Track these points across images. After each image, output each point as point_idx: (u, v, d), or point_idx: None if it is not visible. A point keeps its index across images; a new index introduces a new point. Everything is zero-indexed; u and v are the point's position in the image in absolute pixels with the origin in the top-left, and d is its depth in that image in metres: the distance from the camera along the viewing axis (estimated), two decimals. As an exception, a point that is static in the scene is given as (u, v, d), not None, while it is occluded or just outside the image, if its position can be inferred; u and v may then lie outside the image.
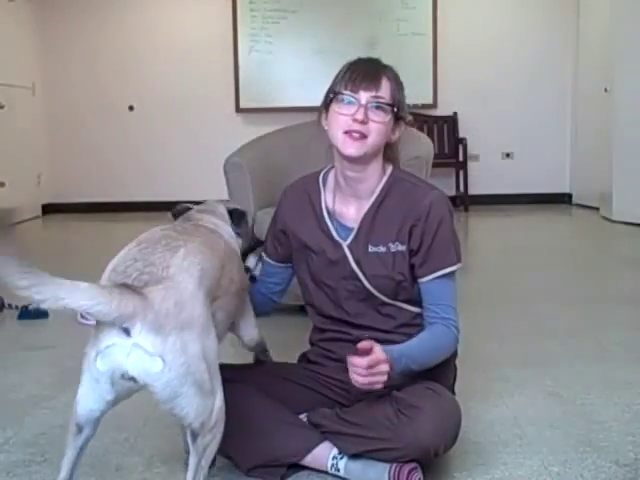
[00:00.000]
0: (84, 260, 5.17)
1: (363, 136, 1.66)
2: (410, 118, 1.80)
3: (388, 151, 1.78)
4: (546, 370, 2.49)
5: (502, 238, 5.83)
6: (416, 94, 7.52)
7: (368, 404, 1.70)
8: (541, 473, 1.74)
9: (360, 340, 1.60)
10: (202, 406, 1.38)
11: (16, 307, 3.42)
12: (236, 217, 1.84)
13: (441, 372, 1.82)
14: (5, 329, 3.32)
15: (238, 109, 7.64)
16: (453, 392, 1.90)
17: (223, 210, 1.88)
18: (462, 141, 7.49)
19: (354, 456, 1.67)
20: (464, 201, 7.35)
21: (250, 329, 1.78)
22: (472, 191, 7.42)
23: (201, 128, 7.72)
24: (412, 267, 1.73)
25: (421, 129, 6.85)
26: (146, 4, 7.76)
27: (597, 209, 6.67)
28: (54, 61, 7.80)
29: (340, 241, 1.76)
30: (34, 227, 7.11)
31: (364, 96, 1.67)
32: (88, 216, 7.54)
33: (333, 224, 1.78)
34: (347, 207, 1.78)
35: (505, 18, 7.63)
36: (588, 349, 2.74)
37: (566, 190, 7.74)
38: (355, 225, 1.76)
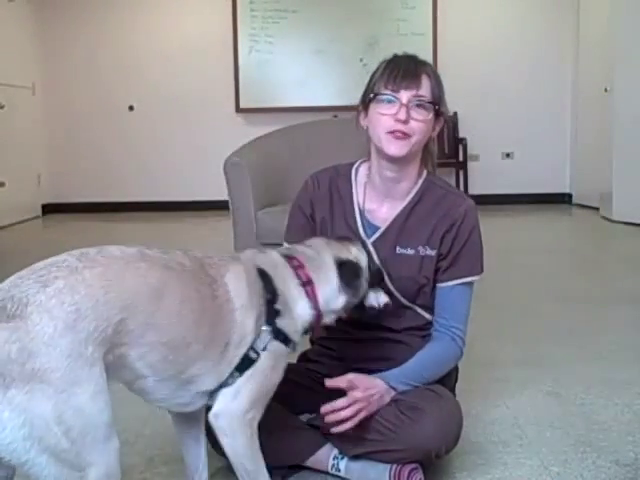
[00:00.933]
0: (84, 260, 5.17)
1: (407, 135, 1.64)
2: (450, 113, 1.78)
3: (424, 151, 1.76)
4: (546, 370, 2.49)
5: (502, 238, 5.83)
6: (416, 94, 7.54)
7: None
8: (541, 473, 1.74)
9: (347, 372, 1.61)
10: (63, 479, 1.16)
11: (16, 307, 3.41)
12: (347, 273, 1.53)
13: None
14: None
15: (238, 109, 7.64)
16: (454, 393, 1.90)
17: (329, 259, 1.54)
18: (462, 141, 7.48)
19: (355, 456, 1.67)
20: (464, 201, 7.34)
21: (227, 399, 1.40)
22: (472, 191, 7.41)
23: (201, 128, 7.72)
24: (436, 271, 1.73)
25: (421, 129, 6.85)
26: (146, 4, 7.76)
27: (597, 209, 6.67)
28: (54, 61, 7.81)
29: (365, 238, 1.73)
30: (34, 227, 7.11)
31: (405, 95, 1.64)
32: (88, 216, 7.54)
33: (362, 221, 1.75)
34: (379, 206, 1.76)
35: (505, 18, 7.63)
36: (588, 349, 2.74)
37: (566, 190, 7.74)
38: (384, 225, 1.74)
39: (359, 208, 1.76)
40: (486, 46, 7.57)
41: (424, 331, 1.77)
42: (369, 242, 1.72)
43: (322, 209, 1.79)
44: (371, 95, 1.67)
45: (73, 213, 7.76)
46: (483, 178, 7.59)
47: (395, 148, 1.65)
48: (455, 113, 7.56)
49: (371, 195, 1.77)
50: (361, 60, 7.48)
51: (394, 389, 1.63)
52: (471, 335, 2.90)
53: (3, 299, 1.15)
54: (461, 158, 7.46)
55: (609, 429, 1.98)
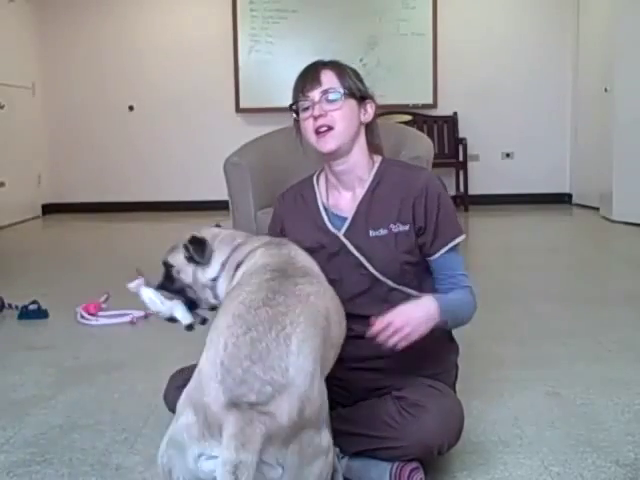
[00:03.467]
0: (84, 260, 5.18)
1: (329, 128, 1.72)
2: (374, 97, 1.85)
3: (369, 137, 1.83)
4: (546, 370, 2.49)
5: (502, 238, 5.83)
6: (416, 94, 7.55)
7: (370, 403, 1.70)
8: (541, 473, 1.74)
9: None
10: None
11: (16, 307, 3.42)
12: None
13: (444, 370, 1.83)
14: (5, 329, 3.32)
15: (238, 109, 7.64)
16: (454, 391, 1.90)
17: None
18: (462, 141, 7.49)
19: (355, 455, 1.67)
20: (464, 201, 7.35)
21: None
22: (472, 191, 7.42)
23: (201, 128, 7.72)
24: (420, 248, 1.76)
25: (421, 129, 6.86)
26: (146, 4, 7.76)
27: (597, 209, 6.67)
28: (54, 61, 7.81)
29: (335, 231, 1.78)
30: (34, 227, 7.11)
31: (313, 94, 1.73)
32: (88, 216, 7.54)
33: (328, 216, 1.80)
34: (341, 199, 1.82)
35: (505, 18, 7.63)
36: (588, 349, 2.74)
37: (566, 190, 7.74)
38: (350, 214, 1.78)
39: (323, 206, 1.82)
40: (486, 46, 7.58)
41: None
42: (340, 234, 1.77)
43: (291, 220, 1.86)
44: (293, 110, 1.78)
45: (73, 213, 7.76)
46: (483, 178, 7.60)
47: (324, 143, 1.73)
48: (455, 113, 7.57)
49: (333, 192, 1.84)
50: (361, 60, 7.47)
51: (439, 313, 1.66)
52: (471, 335, 2.91)
53: (266, 371, 1.26)
54: (461, 158, 7.46)
55: (609, 429, 1.98)
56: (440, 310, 1.65)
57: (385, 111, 7.38)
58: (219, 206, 6.33)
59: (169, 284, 1.77)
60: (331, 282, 1.78)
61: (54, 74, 7.81)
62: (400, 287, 1.76)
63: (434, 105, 7.58)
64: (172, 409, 1.81)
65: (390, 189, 1.77)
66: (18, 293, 3.62)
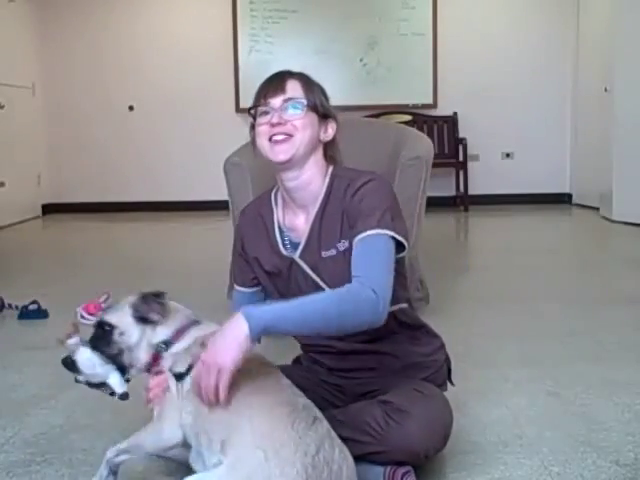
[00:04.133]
0: (84, 260, 5.18)
1: (288, 136, 1.66)
2: (337, 117, 1.73)
3: (329, 152, 1.75)
4: (546, 370, 2.48)
5: (502, 238, 5.83)
6: (416, 94, 7.55)
7: (359, 407, 1.69)
8: (541, 473, 1.74)
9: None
10: None
11: (16, 307, 3.42)
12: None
13: (434, 370, 1.81)
14: (5, 329, 3.32)
15: (238, 109, 7.64)
16: (451, 383, 1.90)
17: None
18: (462, 141, 7.49)
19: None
20: (464, 201, 7.35)
21: None
22: (472, 191, 7.42)
23: (201, 128, 7.72)
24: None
25: (421, 129, 6.86)
26: (146, 4, 7.76)
27: (597, 209, 6.67)
28: (54, 61, 7.81)
29: (290, 255, 1.73)
30: (34, 227, 7.11)
31: (275, 101, 1.66)
32: (88, 216, 7.54)
33: (283, 240, 1.75)
34: (297, 220, 1.75)
35: (505, 18, 7.63)
36: (588, 349, 2.74)
37: (566, 190, 7.74)
38: (303, 238, 1.72)
39: (279, 228, 1.76)
40: (486, 46, 7.58)
41: (401, 326, 1.76)
42: (296, 256, 1.71)
43: (251, 240, 1.81)
44: (251, 114, 1.71)
45: (73, 213, 7.76)
46: (483, 178, 7.60)
47: (279, 152, 1.66)
48: (455, 113, 7.57)
49: (288, 212, 1.76)
50: (361, 60, 7.48)
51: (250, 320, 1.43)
52: (471, 335, 2.91)
53: None
54: (461, 158, 7.46)
55: (609, 429, 1.98)
56: (253, 323, 1.41)
57: (385, 111, 7.40)
58: (219, 206, 6.34)
59: (104, 347, 1.61)
60: None
61: (54, 74, 7.81)
62: None
63: (434, 105, 7.58)
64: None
65: (337, 205, 1.68)
66: (18, 293, 3.62)
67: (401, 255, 1.67)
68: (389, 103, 7.48)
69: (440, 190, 7.27)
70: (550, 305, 3.45)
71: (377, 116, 7.09)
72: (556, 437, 1.94)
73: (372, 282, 1.50)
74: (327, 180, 1.72)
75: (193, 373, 1.49)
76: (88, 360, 1.61)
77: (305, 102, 1.66)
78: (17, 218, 7.12)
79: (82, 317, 3.32)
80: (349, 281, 1.55)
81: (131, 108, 7.82)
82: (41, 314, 3.37)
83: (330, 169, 1.74)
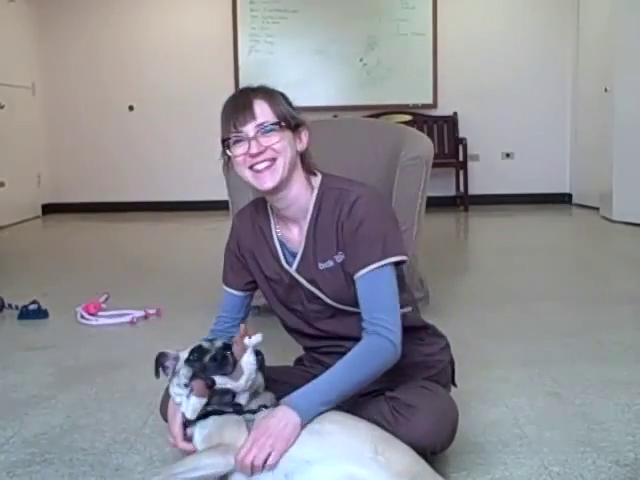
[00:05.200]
0: (84, 260, 5.18)
1: (271, 161, 1.62)
2: (306, 122, 1.69)
3: (307, 159, 1.72)
4: (546, 370, 2.48)
5: (502, 238, 5.83)
6: (416, 94, 7.55)
7: (363, 405, 1.70)
8: (541, 473, 1.74)
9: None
10: None
11: (16, 307, 3.42)
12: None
13: (438, 371, 1.82)
14: (5, 329, 3.32)
15: (238, 109, 7.62)
16: (454, 384, 1.91)
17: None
18: (462, 141, 7.48)
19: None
20: (464, 201, 7.35)
21: None
22: (472, 191, 7.42)
23: (201, 128, 7.69)
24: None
25: (421, 129, 6.86)
26: (146, 4, 7.76)
27: (597, 209, 6.67)
28: (54, 61, 7.80)
29: (287, 267, 1.73)
30: (34, 227, 7.11)
31: (248, 129, 1.61)
32: (88, 216, 7.54)
33: (283, 251, 1.75)
34: (290, 232, 1.75)
35: (505, 18, 7.63)
36: (588, 349, 2.74)
37: (566, 190, 7.74)
38: (299, 249, 1.72)
39: (278, 240, 1.75)
40: (486, 46, 7.57)
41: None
42: (292, 270, 1.72)
43: (248, 247, 1.80)
44: (222, 144, 1.66)
45: (73, 213, 7.76)
46: (483, 178, 7.60)
47: (265, 180, 1.63)
48: (455, 113, 7.57)
49: (281, 225, 1.76)
50: (361, 60, 7.48)
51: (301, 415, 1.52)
52: (471, 335, 2.91)
53: None
54: (461, 158, 7.46)
55: (609, 429, 1.98)
56: (303, 416, 1.50)
57: (385, 111, 7.40)
58: (219, 206, 6.32)
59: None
60: (294, 311, 1.79)
61: (54, 74, 7.81)
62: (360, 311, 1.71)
63: (434, 105, 7.58)
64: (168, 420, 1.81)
65: (330, 216, 1.67)
66: (18, 293, 3.62)
67: (401, 265, 1.69)
68: (389, 103, 7.48)
69: (440, 190, 7.27)
70: (550, 305, 3.45)
71: (377, 116, 7.09)
72: (556, 437, 1.94)
73: (386, 327, 1.59)
74: (315, 192, 1.70)
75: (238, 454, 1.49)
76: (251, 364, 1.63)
77: (278, 123, 1.62)
78: (17, 218, 7.11)
79: (82, 317, 3.32)
80: (348, 291, 1.64)
81: (131, 108, 7.82)
82: (41, 314, 3.37)
83: (317, 180, 1.72)
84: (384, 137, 3.37)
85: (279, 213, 1.74)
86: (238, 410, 1.60)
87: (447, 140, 7.55)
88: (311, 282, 1.71)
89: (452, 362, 1.90)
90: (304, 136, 1.70)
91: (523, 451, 1.86)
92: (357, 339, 1.66)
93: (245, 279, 1.83)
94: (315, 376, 1.63)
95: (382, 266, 1.61)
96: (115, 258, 5.20)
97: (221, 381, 1.58)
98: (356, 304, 1.68)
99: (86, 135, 7.83)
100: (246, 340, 1.62)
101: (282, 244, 1.75)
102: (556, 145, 7.68)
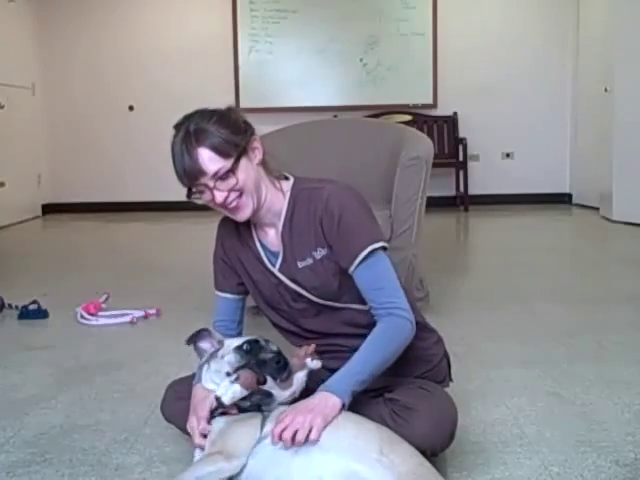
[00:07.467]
0: (84, 260, 5.18)
1: (238, 195, 1.63)
2: (253, 131, 1.68)
3: (268, 166, 1.73)
4: (546, 370, 2.48)
5: (502, 238, 5.83)
6: (416, 94, 7.55)
7: (363, 406, 1.70)
8: (541, 473, 1.74)
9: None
10: None
11: (16, 307, 3.42)
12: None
13: (433, 366, 1.82)
14: (5, 329, 3.32)
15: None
16: (451, 379, 1.90)
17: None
18: (462, 141, 7.49)
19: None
20: (464, 201, 7.36)
21: None
22: (472, 191, 7.42)
23: (201, 128, 7.71)
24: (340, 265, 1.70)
25: (421, 129, 6.85)
26: (146, 4, 7.76)
27: (597, 209, 6.67)
28: (54, 61, 7.81)
29: (271, 268, 1.76)
30: (34, 227, 7.12)
31: (205, 181, 1.61)
32: (88, 216, 7.54)
33: (265, 253, 1.77)
34: (268, 235, 1.78)
35: (505, 18, 7.63)
36: (588, 349, 2.74)
37: (566, 190, 7.74)
38: (279, 250, 1.75)
39: (260, 242, 1.78)
40: (486, 46, 7.58)
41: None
42: (275, 270, 1.74)
43: (233, 251, 1.82)
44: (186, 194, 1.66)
45: (73, 213, 7.76)
46: (483, 178, 7.60)
47: (240, 215, 1.66)
48: (455, 113, 7.57)
49: (259, 229, 1.79)
50: (361, 60, 7.48)
51: (340, 395, 1.55)
52: (471, 335, 2.91)
53: None
54: (461, 158, 7.46)
55: (609, 429, 1.98)
56: (343, 397, 1.55)
57: (385, 111, 7.40)
58: (219, 206, 6.33)
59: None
60: (281, 311, 1.80)
61: (54, 74, 7.81)
62: (346, 305, 1.74)
63: (434, 105, 7.58)
64: (170, 420, 1.82)
65: (304, 215, 1.70)
66: (18, 293, 3.62)
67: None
68: (389, 103, 7.48)
69: (440, 190, 7.27)
70: (550, 305, 3.45)
71: (377, 116, 7.09)
72: (556, 437, 1.94)
73: (399, 307, 1.64)
74: (288, 195, 1.73)
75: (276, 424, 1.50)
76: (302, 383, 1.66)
77: (230, 164, 1.60)
78: (17, 218, 7.12)
79: (82, 317, 3.32)
80: (331, 286, 1.69)
81: (131, 108, 7.82)
82: (41, 314, 3.37)
83: (289, 184, 1.75)
84: (384, 137, 3.37)
85: (255, 220, 1.76)
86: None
87: (447, 140, 7.55)
88: (294, 281, 1.73)
89: (447, 356, 1.91)
90: (257, 148, 1.68)
91: (523, 451, 1.86)
92: (345, 335, 1.70)
93: (236, 281, 1.85)
94: (313, 376, 1.65)
95: (373, 250, 1.65)
96: (115, 258, 5.20)
97: (270, 384, 1.57)
98: (339, 299, 1.72)
99: (86, 135, 7.83)
100: (308, 360, 1.65)
101: (263, 246, 1.78)
102: (556, 145, 7.68)
